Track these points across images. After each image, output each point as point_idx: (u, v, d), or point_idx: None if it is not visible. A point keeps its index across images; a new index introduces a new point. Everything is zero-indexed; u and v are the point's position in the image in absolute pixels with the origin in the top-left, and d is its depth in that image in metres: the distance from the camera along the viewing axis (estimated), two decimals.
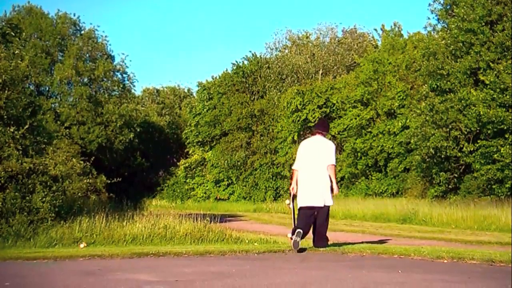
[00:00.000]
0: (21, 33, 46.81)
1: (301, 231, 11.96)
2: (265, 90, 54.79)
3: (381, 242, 15.57)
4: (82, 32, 54.94)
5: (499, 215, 23.60)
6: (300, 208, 12.50)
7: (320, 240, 12.58)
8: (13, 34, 38.60)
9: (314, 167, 12.50)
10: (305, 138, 14.14)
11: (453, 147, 31.15)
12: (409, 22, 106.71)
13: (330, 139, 14.82)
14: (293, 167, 13.11)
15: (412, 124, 35.61)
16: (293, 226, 12.66)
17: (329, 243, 12.83)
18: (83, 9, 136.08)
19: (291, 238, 12.15)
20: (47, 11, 53.86)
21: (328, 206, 12.53)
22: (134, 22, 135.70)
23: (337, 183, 12.80)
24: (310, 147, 12.87)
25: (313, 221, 12.48)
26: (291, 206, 13.14)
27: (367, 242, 14.46)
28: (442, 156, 31.68)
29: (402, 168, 39.89)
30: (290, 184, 13.22)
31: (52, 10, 59.80)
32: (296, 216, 12.89)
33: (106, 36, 55.77)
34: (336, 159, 12.88)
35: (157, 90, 78.95)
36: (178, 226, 16.04)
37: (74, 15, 54.75)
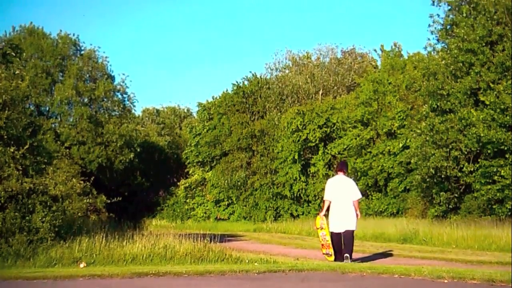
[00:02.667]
0: (22, 54, 46.97)
1: (348, 255, 15.82)
2: (265, 110, 54.84)
3: (384, 255, 18.63)
4: (83, 52, 55.00)
5: (499, 235, 23.54)
6: (332, 233, 16.23)
7: (348, 257, 15.82)
8: (14, 54, 38.69)
9: (343, 200, 16.22)
10: (330, 177, 18.22)
11: (453, 167, 31.15)
12: (409, 42, 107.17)
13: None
14: (324, 198, 16.71)
15: (412, 144, 35.62)
16: (321, 245, 16.94)
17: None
18: (83, 29, 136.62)
19: (326, 254, 16.67)
20: (49, 32, 53.99)
21: (353, 230, 16.20)
22: (135, 42, 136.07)
23: (360, 211, 16.95)
24: (337, 184, 16.59)
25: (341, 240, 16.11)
26: (322, 226, 16.65)
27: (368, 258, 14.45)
28: (443, 176, 31.66)
29: (402, 188, 39.86)
30: (321, 211, 17.15)
31: (54, 30, 59.98)
32: (320, 238, 16.86)
33: (106, 57, 55.83)
34: None
35: (157, 110, 79.05)
36: (178, 246, 16.01)
37: (75, 35, 54.86)
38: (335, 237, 16.22)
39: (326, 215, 16.55)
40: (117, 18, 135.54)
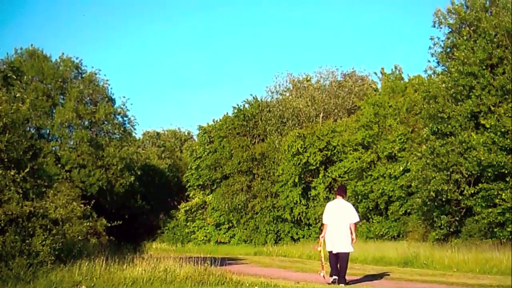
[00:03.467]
0: (23, 76, 47.06)
1: (336, 277, 16.84)
2: (266, 134, 54.81)
3: (385, 278, 19.46)
4: (84, 75, 55.05)
5: (500, 258, 23.52)
6: (330, 252, 17.06)
7: (342, 279, 16.89)
8: (15, 77, 38.72)
9: (340, 222, 17.00)
10: (329, 201, 19.40)
11: (454, 190, 31.08)
12: (409, 65, 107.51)
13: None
14: (323, 222, 17.61)
15: (413, 167, 35.59)
16: (320, 266, 17.67)
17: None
18: (83, 51, 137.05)
19: (324, 277, 17.39)
20: (49, 54, 54.05)
21: (348, 252, 17.07)
22: (135, 64, 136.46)
23: (356, 235, 17.60)
24: (336, 207, 17.42)
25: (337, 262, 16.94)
26: (319, 249, 17.55)
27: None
28: (443, 199, 31.59)
29: (403, 211, 39.78)
30: (321, 233, 17.87)
31: (54, 52, 60.02)
32: (323, 259, 17.49)
33: (107, 80, 55.72)
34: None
35: (158, 133, 79.10)
36: (178, 269, 15.99)
37: (78, 58, 54.93)
38: (332, 257, 17.16)
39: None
40: (118, 40, 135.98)
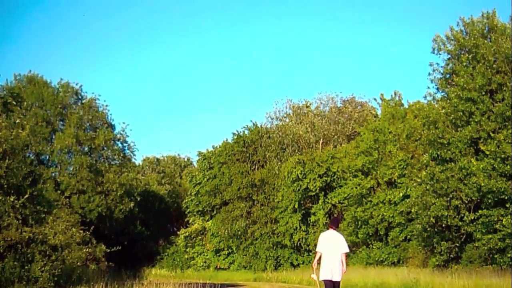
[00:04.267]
0: (23, 102, 47.12)
1: None
2: (266, 160, 54.81)
3: None
4: (83, 101, 55.09)
5: (501, 284, 23.46)
6: (324, 280, 17.51)
7: None
8: (15, 103, 38.77)
9: (333, 252, 17.63)
10: (323, 231, 19.31)
11: (454, 216, 31.02)
12: (409, 91, 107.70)
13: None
14: (316, 250, 17.95)
15: (413, 193, 35.56)
16: None
17: None
18: (83, 77, 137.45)
19: None
20: (49, 80, 54.11)
21: (339, 281, 17.53)
22: (135, 90, 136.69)
23: (346, 265, 18.06)
24: (328, 238, 17.96)
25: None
26: (314, 277, 18.06)
27: None
28: (443, 225, 31.55)
29: (403, 237, 39.71)
30: (313, 261, 18.17)
31: (53, 77, 60.27)
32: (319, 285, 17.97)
33: (107, 105, 55.73)
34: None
35: (158, 159, 79.16)
36: None
37: (77, 84, 54.99)
38: (329, 285, 17.63)
39: (318, 264, 17.94)
40: (118, 66, 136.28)
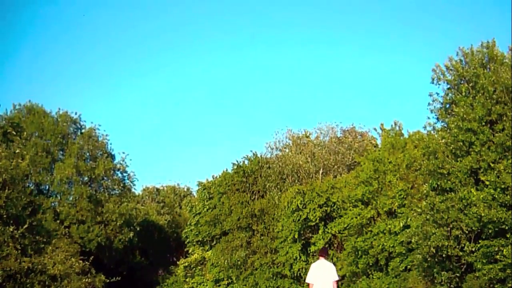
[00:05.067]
0: (22, 132, 47.22)
1: None
2: (266, 190, 54.78)
3: None
4: (83, 130, 55.19)
5: None
6: None
7: None
8: (14, 133, 38.86)
9: (324, 281, 18.41)
10: (313, 261, 20.81)
11: (455, 247, 30.92)
12: (409, 120, 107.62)
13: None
14: (307, 281, 19.07)
15: (413, 223, 35.47)
16: None
17: None
18: (83, 106, 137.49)
19: None
20: (49, 110, 54.26)
21: None
22: (135, 120, 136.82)
23: None
24: (319, 267, 18.80)
25: None
26: None
27: None
28: (444, 255, 31.44)
29: (404, 267, 39.53)
30: None
31: (53, 106, 60.32)
32: None
33: (106, 135, 55.89)
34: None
35: (157, 189, 79.19)
36: None
37: (76, 114, 55.13)
38: None
39: None
40: (118, 95, 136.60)
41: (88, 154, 53.97)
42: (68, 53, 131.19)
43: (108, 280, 36.69)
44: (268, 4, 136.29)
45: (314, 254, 47.04)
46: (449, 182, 31.51)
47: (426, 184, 34.28)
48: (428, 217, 32.16)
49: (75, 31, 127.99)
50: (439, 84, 34.84)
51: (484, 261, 29.80)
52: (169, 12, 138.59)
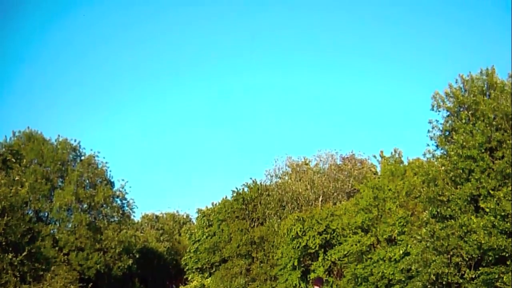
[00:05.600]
0: (22, 159, 47.24)
1: None
2: (265, 217, 54.79)
3: None
4: (83, 158, 55.21)
5: None
6: None
7: None
8: (14, 160, 38.86)
9: None
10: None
11: (455, 274, 30.85)
12: (408, 148, 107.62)
13: None
14: None
15: (413, 251, 35.41)
16: None
17: None
18: (83, 133, 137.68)
19: None
20: (48, 137, 54.30)
21: None
22: (135, 147, 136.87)
23: None
24: None
25: None
26: None
27: None
28: (444, 282, 31.36)
29: None
30: None
31: (52, 134, 60.46)
32: None
33: (106, 162, 55.92)
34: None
35: (157, 216, 79.18)
36: None
37: (76, 141, 55.18)
38: None
39: None
40: (117, 122, 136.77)
41: (87, 181, 53.95)
42: (68, 81, 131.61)
43: None
44: (270, 29, 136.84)
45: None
46: (449, 209, 31.47)
47: (426, 211, 34.23)
48: (428, 244, 32.10)
49: (75, 59, 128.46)
50: (439, 111, 34.83)
51: None
52: (167, 39, 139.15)
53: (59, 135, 55.09)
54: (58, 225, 51.86)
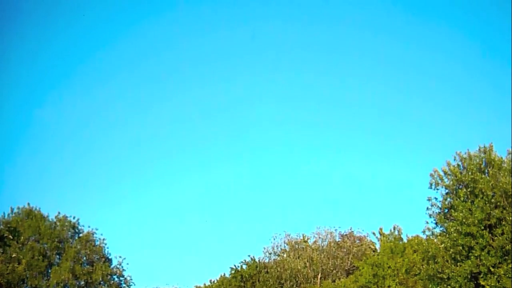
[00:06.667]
0: (19, 236, 47.07)
1: None
2: None
3: None
4: (80, 234, 55.01)
5: None
6: None
7: None
8: (11, 237, 38.72)
9: None
10: None
11: None
12: (407, 225, 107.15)
13: None
14: None
15: None
16: None
17: None
18: (80, 209, 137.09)
19: None
20: (46, 213, 54.18)
21: None
22: (132, 223, 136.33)
23: None
24: None
25: None
26: None
27: None
28: None
29: None
30: None
31: (50, 210, 60.50)
32: None
33: (104, 239, 55.71)
34: None
35: None
36: None
37: (74, 218, 55.05)
38: None
39: None
40: (115, 200, 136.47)
41: (85, 258, 53.64)
42: (67, 157, 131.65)
43: None
44: (265, 103, 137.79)
45: None
46: (449, 287, 31.30)
47: None
48: None
49: (75, 134, 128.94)
50: (437, 189, 34.96)
51: None
52: (163, 109, 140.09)
53: (59, 212, 55.06)
54: None
